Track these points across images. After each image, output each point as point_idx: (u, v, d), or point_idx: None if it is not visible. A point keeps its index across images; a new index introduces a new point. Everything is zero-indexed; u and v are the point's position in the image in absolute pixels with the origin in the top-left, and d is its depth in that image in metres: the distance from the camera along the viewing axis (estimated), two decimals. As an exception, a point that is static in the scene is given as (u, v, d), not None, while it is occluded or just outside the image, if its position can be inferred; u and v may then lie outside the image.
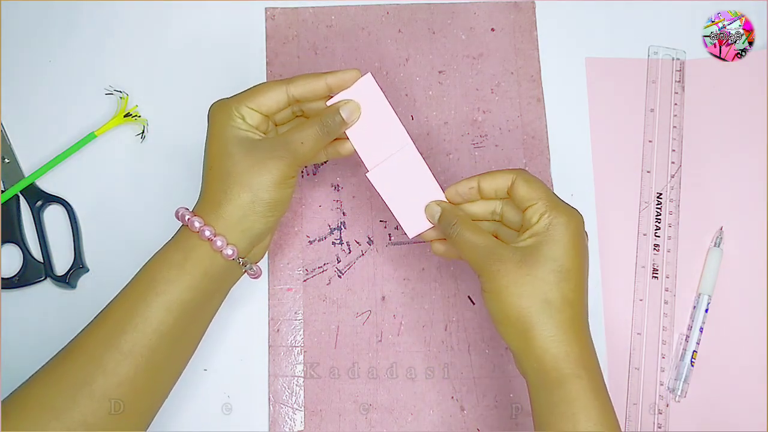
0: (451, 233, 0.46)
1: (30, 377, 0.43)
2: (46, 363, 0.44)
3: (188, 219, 0.45)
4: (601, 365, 0.55)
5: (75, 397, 0.41)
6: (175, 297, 0.44)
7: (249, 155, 0.45)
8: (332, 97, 0.49)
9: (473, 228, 0.46)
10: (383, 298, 0.57)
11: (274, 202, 0.45)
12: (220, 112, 0.47)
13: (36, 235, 0.57)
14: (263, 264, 0.55)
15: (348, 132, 0.49)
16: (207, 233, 0.44)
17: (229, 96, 0.48)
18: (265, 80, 0.60)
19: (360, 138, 0.49)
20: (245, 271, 0.47)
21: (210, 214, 0.45)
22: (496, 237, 0.47)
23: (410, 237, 0.49)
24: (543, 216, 0.44)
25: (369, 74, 0.48)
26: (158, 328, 0.43)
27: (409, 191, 0.49)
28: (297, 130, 0.47)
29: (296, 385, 0.55)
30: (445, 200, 0.49)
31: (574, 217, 0.44)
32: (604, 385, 0.43)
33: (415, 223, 0.49)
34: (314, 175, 0.59)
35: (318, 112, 0.48)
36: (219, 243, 0.44)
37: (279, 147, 0.46)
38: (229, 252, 0.45)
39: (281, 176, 0.45)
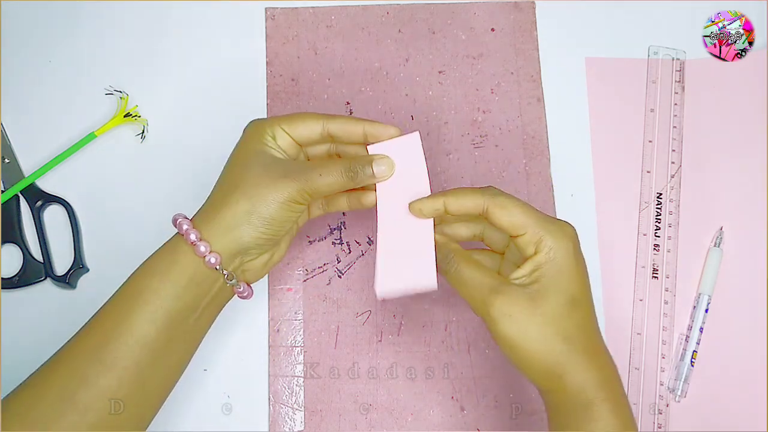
0: (449, 269, 0.44)
1: (14, 390, 0.42)
2: (30, 376, 0.43)
3: (179, 222, 0.44)
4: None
5: (59, 410, 0.41)
6: (158, 306, 0.42)
7: (264, 169, 0.44)
8: (371, 143, 0.47)
9: (472, 263, 0.43)
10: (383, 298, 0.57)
11: (270, 219, 0.44)
12: (252, 128, 0.46)
13: (36, 235, 0.57)
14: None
15: (377, 185, 0.47)
16: (192, 237, 0.43)
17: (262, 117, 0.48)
18: (265, 79, 0.60)
19: (385, 194, 0.46)
20: (234, 289, 0.46)
21: (203, 219, 0.44)
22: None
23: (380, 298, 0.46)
24: (539, 245, 0.42)
25: (417, 133, 0.47)
26: (141, 340, 0.42)
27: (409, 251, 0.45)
28: (321, 162, 0.46)
29: (296, 385, 0.55)
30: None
31: (568, 235, 0.42)
32: (628, 404, 0.42)
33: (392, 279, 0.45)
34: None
35: (352, 155, 0.47)
36: (202, 248, 0.43)
37: (296, 170, 0.44)
38: (212, 260, 0.43)
39: (287, 197, 0.44)
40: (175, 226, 0.45)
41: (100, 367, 0.41)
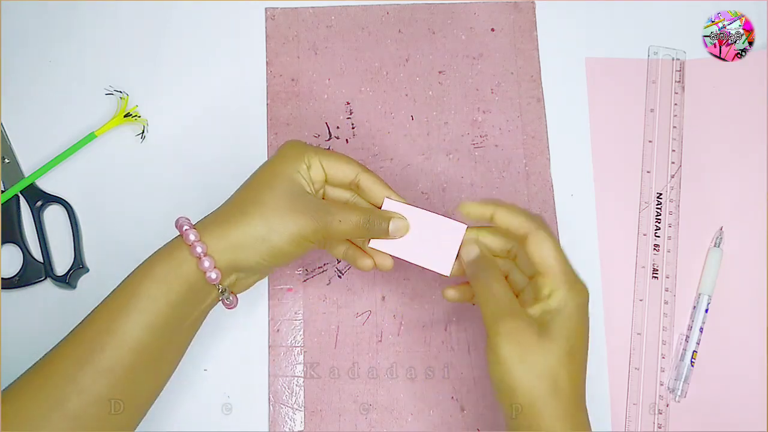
0: (481, 278, 0.45)
1: (3, 390, 0.42)
2: (20, 377, 0.42)
3: (185, 229, 0.44)
4: (601, 365, 0.56)
5: (49, 417, 0.40)
6: (155, 314, 0.42)
7: (290, 200, 0.44)
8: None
9: (502, 280, 0.45)
10: (383, 298, 0.57)
11: (278, 251, 0.44)
12: (292, 149, 0.46)
13: (36, 235, 0.57)
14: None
15: (399, 254, 0.48)
16: (198, 250, 0.43)
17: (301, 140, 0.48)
18: (265, 79, 0.60)
19: (417, 253, 0.48)
20: (221, 299, 0.46)
21: (212, 229, 0.44)
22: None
23: (449, 276, 0.48)
24: (555, 292, 0.44)
25: (464, 226, 0.47)
26: (136, 347, 0.42)
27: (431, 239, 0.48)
28: (343, 207, 0.46)
29: (296, 385, 0.55)
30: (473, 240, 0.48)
31: (584, 295, 0.45)
32: None
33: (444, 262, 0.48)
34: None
35: (370, 208, 0.48)
36: (206, 264, 0.43)
37: (319, 210, 0.45)
38: (213, 276, 0.43)
39: (303, 235, 0.44)
40: (180, 232, 0.44)
41: (94, 374, 0.41)
